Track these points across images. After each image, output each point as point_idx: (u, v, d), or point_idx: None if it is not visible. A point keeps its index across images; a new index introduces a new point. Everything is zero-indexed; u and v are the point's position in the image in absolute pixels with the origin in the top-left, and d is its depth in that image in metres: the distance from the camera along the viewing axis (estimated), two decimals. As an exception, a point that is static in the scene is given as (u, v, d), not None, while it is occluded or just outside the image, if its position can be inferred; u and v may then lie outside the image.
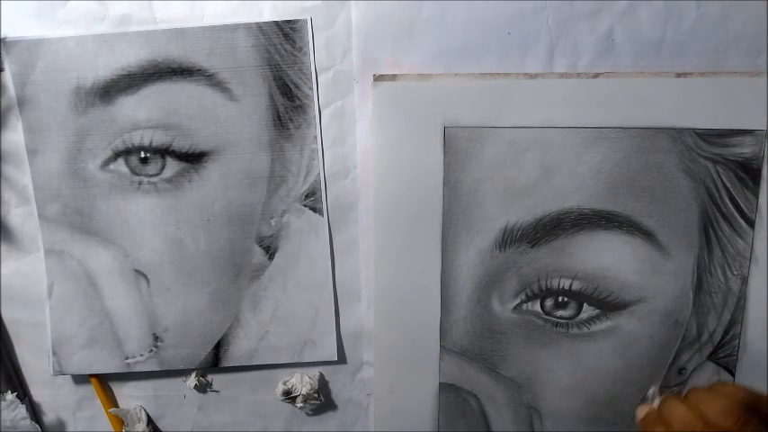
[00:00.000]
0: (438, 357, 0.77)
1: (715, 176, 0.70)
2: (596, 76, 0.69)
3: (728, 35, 0.68)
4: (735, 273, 0.72)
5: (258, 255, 0.77)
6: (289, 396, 0.80)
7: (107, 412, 0.83)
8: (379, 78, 0.71)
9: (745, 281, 0.72)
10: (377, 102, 0.71)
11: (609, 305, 0.73)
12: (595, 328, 0.74)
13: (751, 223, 0.71)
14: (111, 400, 0.83)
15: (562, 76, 0.70)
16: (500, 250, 0.73)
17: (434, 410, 0.79)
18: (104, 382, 0.83)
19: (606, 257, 0.72)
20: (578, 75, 0.69)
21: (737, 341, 0.74)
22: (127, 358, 0.80)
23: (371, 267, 0.76)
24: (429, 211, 0.73)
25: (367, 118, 0.73)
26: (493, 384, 0.77)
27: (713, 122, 0.68)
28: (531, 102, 0.70)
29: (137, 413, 0.83)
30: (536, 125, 0.70)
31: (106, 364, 0.80)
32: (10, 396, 0.79)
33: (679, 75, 0.68)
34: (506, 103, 0.70)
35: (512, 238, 0.73)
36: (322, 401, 0.81)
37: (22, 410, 0.79)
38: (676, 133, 0.69)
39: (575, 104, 0.69)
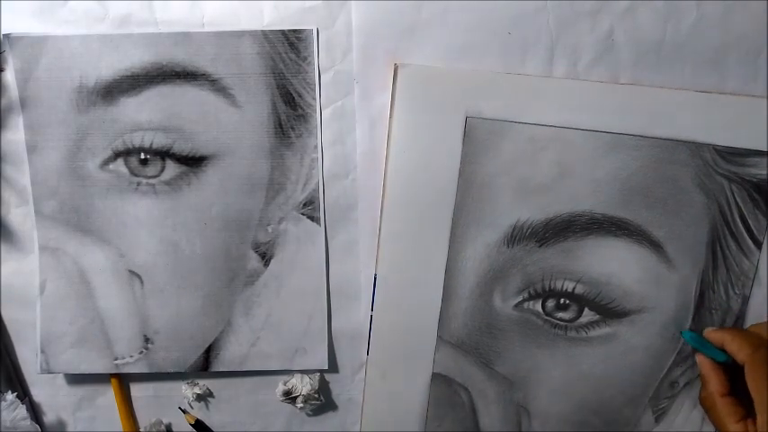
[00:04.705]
0: (434, 347, 0.74)
1: (728, 194, 0.67)
2: (620, 82, 0.67)
3: (728, 35, 0.66)
4: (737, 292, 0.69)
5: (253, 261, 0.73)
6: (289, 396, 0.76)
7: (120, 412, 0.79)
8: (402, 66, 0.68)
9: (746, 300, 0.69)
10: (401, 85, 0.68)
11: (610, 312, 0.70)
12: (594, 333, 0.71)
13: (758, 244, 0.68)
14: (126, 401, 0.79)
15: (588, 79, 0.67)
16: (507, 246, 0.70)
17: (424, 400, 0.76)
18: (124, 381, 0.79)
19: (612, 264, 0.69)
20: (602, 80, 0.67)
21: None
22: (116, 359, 0.75)
23: (378, 248, 0.72)
24: (441, 200, 0.70)
25: (367, 118, 0.70)
26: (485, 379, 0.74)
27: (733, 141, 0.66)
28: (554, 101, 0.67)
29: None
30: (557, 125, 0.67)
31: (94, 364, 0.76)
32: (10, 396, 0.75)
33: (702, 91, 0.66)
34: (530, 100, 0.67)
35: (521, 235, 0.70)
36: (322, 402, 0.78)
37: (22, 410, 0.75)
38: (696, 147, 0.66)
39: (598, 108, 0.67)
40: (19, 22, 0.68)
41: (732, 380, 0.61)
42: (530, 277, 0.70)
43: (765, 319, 0.69)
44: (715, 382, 0.61)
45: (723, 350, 0.62)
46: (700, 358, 0.63)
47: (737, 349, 0.58)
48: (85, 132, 0.70)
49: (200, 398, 0.78)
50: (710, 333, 0.63)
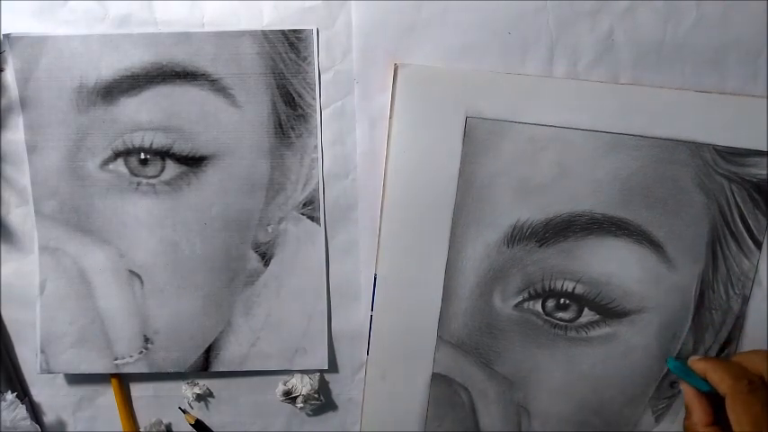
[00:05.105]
0: (434, 347, 0.74)
1: (728, 194, 0.67)
2: (620, 82, 0.67)
3: (728, 35, 0.66)
4: (737, 292, 0.69)
5: (253, 261, 0.73)
6: (289, 396, 0.76)
7: (120, 412, 0.79)
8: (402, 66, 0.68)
9: (745, 301, 0.69)
10: (401, 85, 0.68)
11: (609, 312, 0.70)
12: (593, 333, 0.71)
13: (758, 244, 0.68)
14: (126, 401, 0.79)
15: (588, 79, 0.67)
16: (507, 246, 0.70)
17: (424, 400, 0.75)
18: (124, 381, 0.78)
19: (612, 264, 0.69)
20: (602, 80, 0.67)
21: (731, 360, 0.72)
22: (116, 359, 0.75)
23: (378, 248, 0.72)
24: (441, 200, 0.70)
25: (367, 118, 0.70)
26: (485, 379, 0.74)
27: (733, 140, 0.66)
28: (554, 101, 0.67)
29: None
30: (557, 125, 0.67)
31: (94, 364, 0.75)
32: (10, 396, 0.74)
33: (702, 91, 0.66)
34: (530, 100, 0.67)
35: (521, 235, 0.69)
36: (322, 402, 0.77)
37: (22, 410, 0.75)
38: (696, 147, 0.66)
39: (598, 108, 0.67)
40: (19, 22, 0.68)
41: (717, 409, 0.60)
42: (530, 277, 0.70)
43: (765, 320, 0.69)
44: (699, 412, 0.61)
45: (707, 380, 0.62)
46: (684, 387, 0.63)
47: (719, 380, 0.59)
48: (85, 132, 0.69)
49: (200, 398, 0.78)
50: (694, 363, 0.62)
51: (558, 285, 0.70)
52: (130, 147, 0.69)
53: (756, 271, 0.68)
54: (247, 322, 0.74)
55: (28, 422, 0.75)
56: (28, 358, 0.77)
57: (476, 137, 0.67)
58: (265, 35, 0.67)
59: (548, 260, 0.69)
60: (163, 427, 0.79)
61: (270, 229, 0.72)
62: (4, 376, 0.76)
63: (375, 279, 0.72)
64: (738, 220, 0.67)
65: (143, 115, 0.69)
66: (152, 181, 0.70)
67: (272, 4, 0.67)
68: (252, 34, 0.67)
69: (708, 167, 0.66)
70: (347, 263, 0.73)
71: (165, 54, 0.67)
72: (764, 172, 0.66)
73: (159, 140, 0.69)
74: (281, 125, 0.69)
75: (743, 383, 0.57)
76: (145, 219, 0.71)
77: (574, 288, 0.69)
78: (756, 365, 0.58)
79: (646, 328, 0.70)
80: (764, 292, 0.68)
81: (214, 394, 0.78)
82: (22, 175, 0.71)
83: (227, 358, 0.75)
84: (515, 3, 0.66)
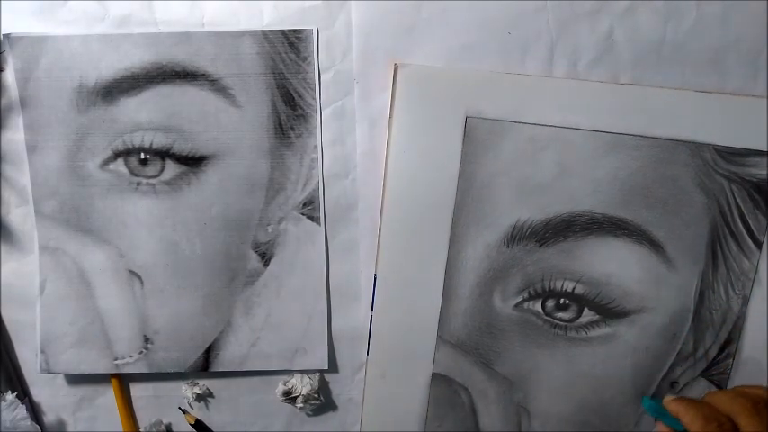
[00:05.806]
0: (434, 347, 0.73)
1: (728, 194, 0.67)
2: (620, 82, 0.67)
3: (728, 35, 0.65)
4: (737, 292, 0.69)
5: (253, 261, 0.73)
6: (289, 396, 0.76)
7: (120, 412, 0.79)
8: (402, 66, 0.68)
9: (746, 301, 0.69)
10: (401, 85, 0.68)
11: (609, 312, 0.70)
12: (593, 333, 0.71)
13: (758, 244, 0.68)
14: (126, 401, 0.79)
15: (588, 79, 0.67)
16: (507, 246, 0.70)
17: (424, 400, 0.75)
18: (124, 381, 0.78)
19: (612, 264, 0.69)
20: (602, 80, 0.67)
21: (731, 360, 0.71)
22: (116, 359, 0.75)
23: (377, 248, 0.72)
24: (441, 200, 0.70)
25: (367, 118, 0.70)
26: (485, 379, 0.74)
27: (733, 140, 0.66)
28: (554, 101, 0.67)
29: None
30: (557, 125, 0.67)
31: (95, 364, 0.75)
32: (10, 396, 0.74)
33: (702, 91, 0.66)
34: (530, 100, 0.67)
35: (521, 235, 0.69)
36: (322, 402, 0.77)
37: (22, 410, 0.75)
38: (696, 147, 0.66)
39: (598, 108, 0.67)
40: (19, 22, 0.68)
41: None
42: (530, 277, 0.70)
43: (765, 320, 0.69)
44: None
45: None
46: (659, 426, 0.63)
47: (690, 422, 0.59)
48: (85, 132, 0.69)
49: (200, 398, 0.78)
50: (669, 403, 0.62)
51: (558, 285, 0.70)
52: (130, 147, 0.69)
53: (756, 271, 0.68)
54: (247, 322, 0.74)
55: (28, 422, 0.75)
56: (28, 358, 0.77)
57: (476, 137, 0.67)
58: (265, 35, 0.67)
59: (548, 260, 0.69)
60: (163, 427, 0.79)
61: (270, 229, 0.72)
62: (4, 376, 0.76)
63: (375, 279, 0.72)
64: (738, 220, 0.67)
65: (143, 115, 0.68)
66: (152, 181, 0.70)
67: (272, 4, 0.67)
68: (252, 34, 0.67)
69: (708, 167, 0.66)
70: (347, 263, 0.73)
71: (165, 54, 0.67)
72: (764, 172, 0.66)
73: (159, 140, 0.69)
74: (281, 125, 0.69)
75: (713, 425, 0.57)
76: (145, 219, 0.71)
77: (574, 288, 0.69)
78: (725, 406, 0.58)
79: (646, 328, 0.70)
80: (765, 291, 0.68)
81: (214, 394, 0.78)
82: (22, 175, 0.71)
83: (227, 358, 0.75)
84: (515, 3, 0.66)
